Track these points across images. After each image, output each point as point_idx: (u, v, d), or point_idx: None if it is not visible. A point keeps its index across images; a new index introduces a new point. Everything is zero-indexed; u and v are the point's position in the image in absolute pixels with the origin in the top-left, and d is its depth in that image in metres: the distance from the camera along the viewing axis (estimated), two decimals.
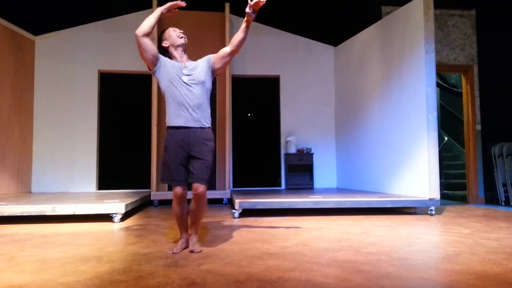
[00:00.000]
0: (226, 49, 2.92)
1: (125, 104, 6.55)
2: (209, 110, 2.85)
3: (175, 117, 2.71)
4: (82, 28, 6.27)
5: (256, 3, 2.74)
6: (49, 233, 3.46)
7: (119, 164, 6.44)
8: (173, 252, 2.63)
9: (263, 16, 6.66)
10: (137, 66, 6.19)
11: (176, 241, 2.90)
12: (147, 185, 6.04)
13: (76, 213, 4.02)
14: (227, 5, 6.14)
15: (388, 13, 6.01)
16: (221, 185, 6.19)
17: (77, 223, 3.97)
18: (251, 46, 6.66)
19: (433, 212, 4.51)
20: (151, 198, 5.69)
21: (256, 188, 6.49)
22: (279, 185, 6.75)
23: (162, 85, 2.78)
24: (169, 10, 2.80)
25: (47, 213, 3.96)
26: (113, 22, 6.27)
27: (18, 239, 3.16)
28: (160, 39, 2.92)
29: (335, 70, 6.86)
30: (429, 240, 3.08)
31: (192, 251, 2.65)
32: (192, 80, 2.75)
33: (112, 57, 6.26)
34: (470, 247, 2.80)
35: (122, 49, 6.25)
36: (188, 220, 2.81)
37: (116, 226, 3.87)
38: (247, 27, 2.86)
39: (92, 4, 6.34)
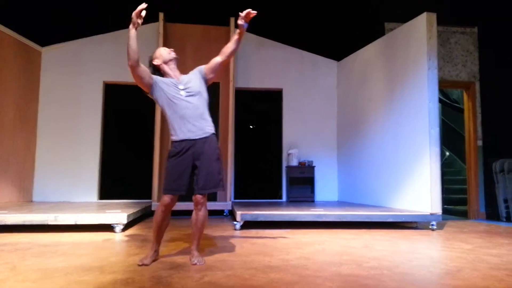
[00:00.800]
0: (217, 59, 2.97)
1: (129, 115, 6.60)
2: (210, 118, 2.90)
3: (180, 131, 2.77)
4: (88, 40, 6.35)
5: (247, 14, 2.83)
6: (51, 242, 3.46)
7: (121, 174, 6.46)
8: (143, 264, 2.58)
9: (267, 30, 6.78)
10: None
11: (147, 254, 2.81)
12: (148, 196, 6.04)
13: (77, 223, 4.02)
14: (232, 19, 6.22)
15: (391, 29, 6.09)
16: (222, 197, 6.19)
17: (78, 233, 3.97)
18: (255, 59, 6.74)
19: (435, 227, 4.50)
20: (152, 209, 5.68)
21: (257, 200, 6.48)
22: (280, 198, 6.75)
23: (161, 104, 2.83)
24: (137, 20, 2.64)
25: (49, 222, 3.97)
26: (119, 34, 6.35)
27: (20, 248, 3.16)
28: (150, 60, 2.95)
29: (338, 84, 6.92)
30: (430, 255, 3.08)
31: (195, 264, 2.62)
32: (190, 92, 2.81)
33: (117, 68, 6.31)
34: (472, 263, 2.80)
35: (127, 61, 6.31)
36: (192, 231, 2.82)
37: (118, 236, 3.87)
38: (239, 39, 2.94)
39: (98, 16, 6.43)
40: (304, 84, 6.88)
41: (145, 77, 2.77)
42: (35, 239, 3.62)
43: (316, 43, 6.96)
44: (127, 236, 3.90)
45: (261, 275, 2.38)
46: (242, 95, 6.79)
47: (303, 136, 6.77)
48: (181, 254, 2.99)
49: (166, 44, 6.10)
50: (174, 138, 2.80)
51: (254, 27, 6.86)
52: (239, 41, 2.94)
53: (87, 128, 6.21)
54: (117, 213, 4.14)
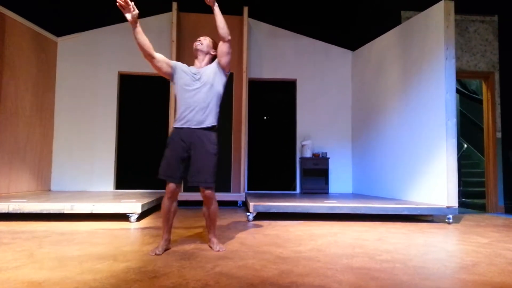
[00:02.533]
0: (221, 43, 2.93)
1: (144, 105, 6.64)
2: (217, 111, 2.90)
3: (181, 118, 2.82)
4: (103, 30, 6.39)
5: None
6: (67, 231, 3.53)
7: (137, 164, 6.53)
8: (155, 254, 2.63)
9: (279, 19, 6.71)
10: None
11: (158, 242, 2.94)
12: (164, 186, 6.08)
13: (93, 212, 4.09)
14: (245, 9, 6.17)
15: (408, 18, 5.96)
16: (236, 188, 6.22)
17: (94, 222, 4.04)
18: (267, 49, 6.68)
19: (451, 221, 4.43)
20: None
21: (271, 192, 6.49)
22: (294, 189, 6.73)
23: (175, 89, 2.91)
24: (128, 15, 2.71)
25: (66, 211, 4.05)
26: None
27: (38, 236, 3.23)
28: None
29: (353, 74, 6.82)
30: (446, 249, 3.03)
31: (218, 251, 2.75)
32: (202, 83, 2.84)
33: (132, 59, 6.35)
34: (489, 257, 2.75)
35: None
36: (205, 223, 2.94)
37: (133, 225, 3.92)
38: (214, 12, 2.86)
39: (113, 6, 6.45)
40: (318, 74, 6.80)
41: (162, 68, 2.86)
42: (52, 227, 3.69)
43: (330, 32, 6.86)
44: (141, 225, 3.95)
45: (272, 266, 2.38)
46: (256, 86, 6.76)
47: (317, 128, 6.72)
48: (193, 244, 3.02)
49: (179, 33, 6.12)
50: (175, 124, 2.85)
51: (266, 16, 6.83)
52: (216, 14, 2.85)
53: (103, 118, 6.28)
54: (132, 203, 4.19)
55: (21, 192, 5.37)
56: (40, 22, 5.77)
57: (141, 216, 4.35)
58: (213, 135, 2.85)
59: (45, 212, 4.02)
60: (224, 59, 2.91)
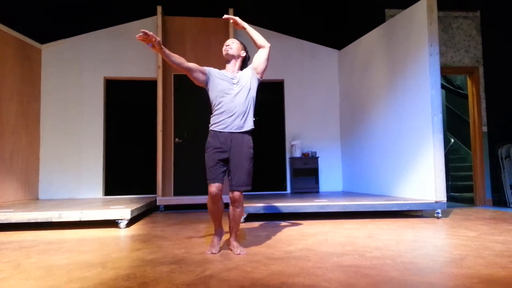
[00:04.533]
0: (260, 50, 3.05)
1: (131, 110, 6.60)
2: (252, 115, 2.96)
3: (220, 122, 2.84)
4: (87, 36, 6.33)
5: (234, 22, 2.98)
6: (55, 239, 3.48)
7: (126, 170, 6.48)
8: (212, 253, 2.75)
9: (265, 20, 6.72)
10: (142, 73, 6.27)
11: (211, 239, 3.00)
12: (153, 191, 6.06)
13: (82, 219, 4.04)
14: (230, 11, 6.15)
15: (392, 16, 6.02)
16: (225, 189, 6.19)
17: (83, 229, 4.00)
18: (254, 50, 6.67)
19: (440, 215, 4.47)
20: (157, 204, 5.71)
21: (262, 192, 6.48)
22: (285, 189, 6.74)
23: (212, 96, 2.91)
24: (143, 40, 2.62)
25: (54, 220, 3.99)
26: (118, 29, 6.33)
27: (25, 246, 3.18)
28: None
29: (340, 73, 6.86)
30: (434, 244, 3.06)
31: (239, 254, 2.75)
32: (240, 87, 2.87)
33: (118, 64, 6.31)
34: (476, 250, 2.78)
35: (127, 56, 6.32)
36: (229, 224, 2.95)
37: (122, 232, 3.88)
38: (244, 29, 3.04)
39: (96, 12, 6.41)
40: (306, 74, 6.83)
41: (198, 78, 2.88)
42: (40, 236, 3.64)
43: (316, 32, 6.89)
44: (131, 231, 3.91)
45: (263, 267, 2.37)
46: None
47: (306, 127, 6.74)
48: (183, 248, 3.00)
49: (164, 37, 6.08)
50: (213, 127, 2.86)
51: (252, 17, 6.82)
52: (249, 32, 3.03)
53: (90, 124, 6.22)
54: (121, 209, 4.16)
55: (8, 201, 5.29)
56: (23, 29, 5.69)
57: (130, 222, 4.31)
58: (251, 139, 2.91)
59: (32, 221, 3.97)
60: (262, 65, 2.99)
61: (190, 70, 2.82)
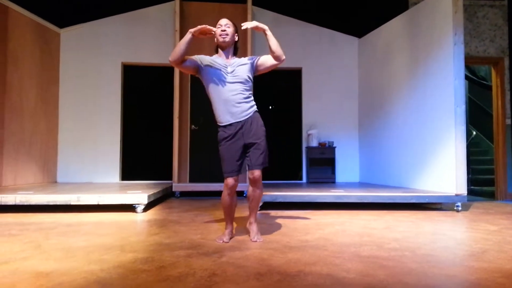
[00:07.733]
0: (272, 61, 2.87)
1: (148, 96, 6.62)
2: (253, 99, 2.88)
3: (224, 115, 2.77)
4: (105, 21, 6.35)
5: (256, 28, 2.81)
6: (74, 222, 3.53)
7: (142, 155, 6.53)
8: (223, 241, 2.70)
9: (283, 6, 6.61)
10: (159, 58, 6.25)
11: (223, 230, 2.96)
12: (169, 176, 6.09)
13: (100, 203, 4.10)
14: None
15: (415, 3, 5.85)
16: (241, 178, 6.18)
17: (100, 213, 4.05)
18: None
19: (460, 208, 4.38)
20: (173, 190, 5.75)
21: (277, 181, 6.46)
22: (300, 179, 6.70)
23: (207, 86, 2.84)
24: (200, 33, 2.72)
25: (72, 203, 4.05)
26: (136, 14, 6.32)
27: (45, 227, 3.24)
28: None
29: (359, 62, 6.74)
30: (454, 237, 3.00)
31: (255, 241, 2.74)
32: (235, 77, 2.78)
33: (135, 49, 6.32)
34: (498, 244, 2.71)
35: (145, 42, 6.32)
36: (249, 205, 2.93)
37: (139, 216, 3.92)
38: (266, 35, 2.82)
39: None
40: (325, 62, 6.72)
41: (189, 70, 2.85)
42: (59, 219, 3.70)
43: (337, 20, 6.75)
44: (148, 216, 3.95)
45: (279, 255, 2.36)
46: (260, 75, 6.67)
47: (323, 116, 6.66)
48: (199, 234, 3.01)
49: (182, 23, 6.03)
50: (220, 123, 2.80)
51: (270, 3, 6.73)
52: (268, 38, 2.80)
53: (108, 109, 6.27)
54: (138, 194, 4.19)
55: (28, 184, 5.39)
56: (42, 13, 5.73)
57: (147, 207, 4.35)
58: (260, 118, 2.86)
59: (51, 203, 4.03)
60: (264, 70, 2.91)
61: (179, 64, 2.75)
